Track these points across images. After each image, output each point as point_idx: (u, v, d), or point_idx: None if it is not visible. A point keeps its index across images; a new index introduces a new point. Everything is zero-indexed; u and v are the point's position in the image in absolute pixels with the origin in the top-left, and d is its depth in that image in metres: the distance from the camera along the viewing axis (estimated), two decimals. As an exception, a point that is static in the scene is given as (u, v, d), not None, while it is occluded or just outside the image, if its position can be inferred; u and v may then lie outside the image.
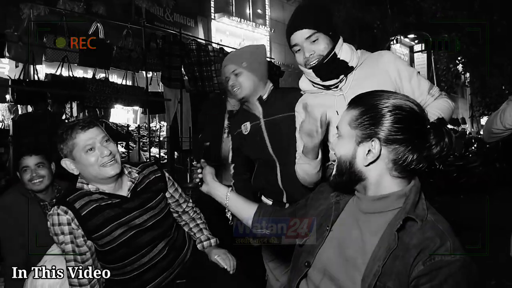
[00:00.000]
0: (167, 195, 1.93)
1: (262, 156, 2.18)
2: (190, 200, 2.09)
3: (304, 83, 1.85)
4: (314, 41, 1.64)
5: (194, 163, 1.58)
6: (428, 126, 1.09)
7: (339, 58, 1.66)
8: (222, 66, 2.21)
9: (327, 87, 1.74)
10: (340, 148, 1.16)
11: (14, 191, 2.42)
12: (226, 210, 1.54)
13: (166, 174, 1.95)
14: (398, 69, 1.67)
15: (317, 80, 1.72)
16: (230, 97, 3.16)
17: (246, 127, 2.20)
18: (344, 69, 1.68)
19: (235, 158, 2.45)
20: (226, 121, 3.19)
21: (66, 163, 1.68)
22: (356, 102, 1.15)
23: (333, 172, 1.20)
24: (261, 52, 2.22)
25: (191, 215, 2.07)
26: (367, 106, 1.11)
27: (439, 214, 1.12)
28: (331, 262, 1.17)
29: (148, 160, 6.47)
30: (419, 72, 1.76)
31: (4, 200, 2.39)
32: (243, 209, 1.52)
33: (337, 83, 1.71)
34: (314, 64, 1.67)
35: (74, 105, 6.02)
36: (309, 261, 1.22)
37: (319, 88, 1.77)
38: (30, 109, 5.88)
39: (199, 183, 1.55)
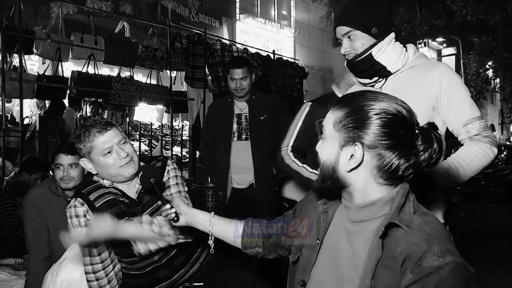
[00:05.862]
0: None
1: None
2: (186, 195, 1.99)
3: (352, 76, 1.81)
4: (350, 37, 1.59)
5: (159, 203, 1.43)
6: (417, 131, 1.01)
7: (375, 59, 1.57)
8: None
9: (364, 84, 1.70)
10: (324, 151, 1.08)
11: (43, 186, 2.47)
12: (210, 238, 1.40)
13: (170, 167, 1.85)
14: (443, 84, 1.54)
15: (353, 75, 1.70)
16: (237, 100, 3.11)
17: None
18: (378, 71, 1.60)
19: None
20: (235, 125, 3.08)
21: (85, 163, 1.70)
22: (342, 102, 1.07)
23: (317, 178, 1.13)
24: None
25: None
26: (352, 107, 1.03)
27: (431, 215, 1.04)
28: (325, 281, 1.11)
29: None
30: (476, 99, 1.61)
31: (32, 195, 2.43)
32: (230, 230, 1.40)
33: (371, 83, 1.66)
34: (348, 59, 1.64)
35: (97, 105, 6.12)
36: (304, 280, 1.16)
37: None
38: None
39: (175, 218, 1.39)
